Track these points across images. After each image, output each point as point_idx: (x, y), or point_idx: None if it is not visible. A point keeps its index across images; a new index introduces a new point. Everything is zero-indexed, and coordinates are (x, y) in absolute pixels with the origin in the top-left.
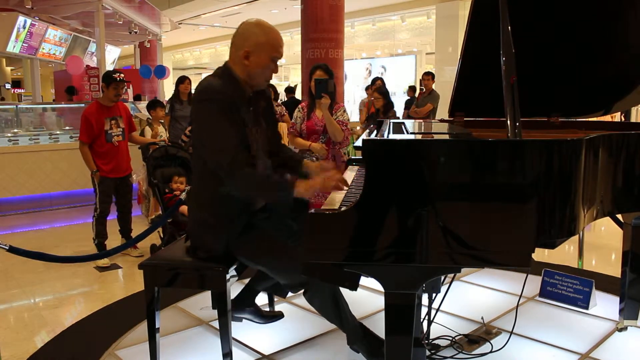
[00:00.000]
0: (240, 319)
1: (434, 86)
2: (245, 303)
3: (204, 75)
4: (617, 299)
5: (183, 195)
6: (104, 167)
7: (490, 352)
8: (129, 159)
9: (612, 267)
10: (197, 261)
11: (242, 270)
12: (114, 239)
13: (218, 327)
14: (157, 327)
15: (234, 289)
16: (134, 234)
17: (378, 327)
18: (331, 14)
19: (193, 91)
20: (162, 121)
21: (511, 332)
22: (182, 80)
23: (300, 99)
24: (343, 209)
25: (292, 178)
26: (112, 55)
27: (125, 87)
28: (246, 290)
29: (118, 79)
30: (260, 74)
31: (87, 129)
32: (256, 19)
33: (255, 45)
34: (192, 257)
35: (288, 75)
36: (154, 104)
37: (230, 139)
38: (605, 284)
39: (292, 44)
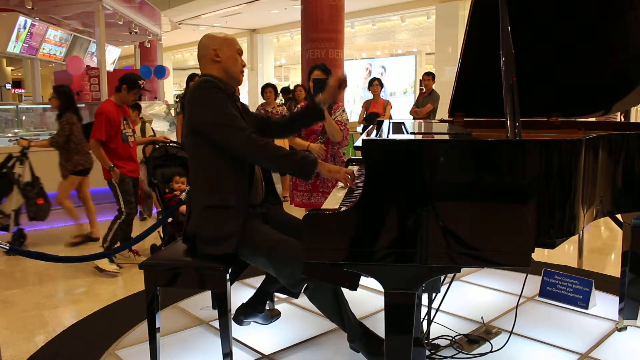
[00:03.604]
0: (248, 323)
1: (434, 86)
2: (257, 309)
3: None
4: (617, 298)
5: (183, 195)
6: (125, 166)
7: (490, 352)
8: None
9: (612, 267)
10: (197, 261)
11: (242, 271)
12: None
13: (218, 327)
14: (157, 327)
15: (235, 289)
16: (133, 234)
17: (378, 326)
18: (331, 14)
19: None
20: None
21: (511, 332)
22: (192, 78)
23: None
24: (343, 209)
25: (315, 158)
26: (113, 56)
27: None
28: (257, 296)
29: (142, 86)
30: (234, 65)
31: (105, 126)
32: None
33: (218, 43)
34: (191, 256)
35: (288, 75)
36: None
37: (239, 120)
38: (605, 284)
39: (292, 44)
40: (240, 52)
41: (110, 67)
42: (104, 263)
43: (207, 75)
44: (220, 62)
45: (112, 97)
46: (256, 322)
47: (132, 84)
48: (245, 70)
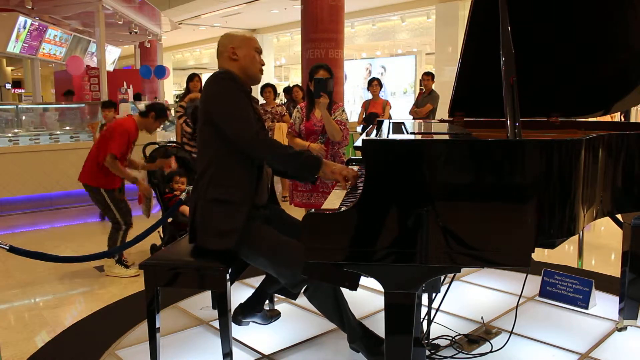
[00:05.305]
0: (247, 323)
1: (433, 86)
2: (255, 309)
3: (204, 76)
4: (617, 298)
5: (183, 196)
6: (118, 182)
7: (490, 352)
8: None
9: (612, 267)
10: (198, 261)
11: (242, 271)
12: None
13: (218, 327)
14: (157, 327)
15: (235, 289)
16: (134, 234)
17: (378, 326)
18: (331, 14)
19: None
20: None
21: (511, 332)
22: (192, 78)
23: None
24: (343, 209)
25: (319, 157)
26: (113, 56)
27: None
28: (256, 295)
29: (168, 118)
30: (252, 64)
31: (124, 143)
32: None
33: (238, 41)
34: (191, 256)
35: (288, 75)
36: (109, 104)
37: (251, 116)
38: (605, 284)
39: (292, 44)
40: (259, 51)
41: (110, 67)
42: (119, 270)
43: (227, 71)
44: (237, 61)
45: (135, 118)
46: (255, 322)
47: (162, 114)
48: None
